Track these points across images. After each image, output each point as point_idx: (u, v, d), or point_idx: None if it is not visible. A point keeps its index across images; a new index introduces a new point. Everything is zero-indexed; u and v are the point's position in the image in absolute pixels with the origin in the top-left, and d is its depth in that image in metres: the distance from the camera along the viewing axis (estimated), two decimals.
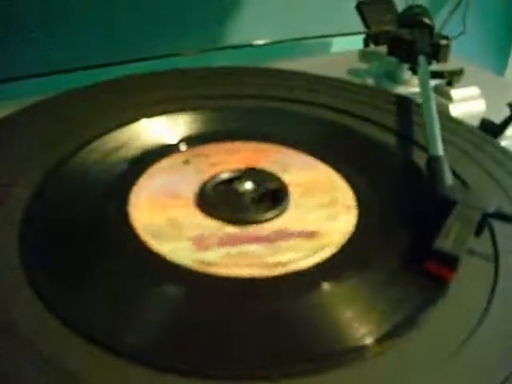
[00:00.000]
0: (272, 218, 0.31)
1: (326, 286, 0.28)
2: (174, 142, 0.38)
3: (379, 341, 0.25)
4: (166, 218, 0.31)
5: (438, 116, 0.40)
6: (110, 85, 0.42)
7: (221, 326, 0.25)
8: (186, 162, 0.36)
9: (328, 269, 0.29)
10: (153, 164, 0.35)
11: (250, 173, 0.35)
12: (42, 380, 0.22)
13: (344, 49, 0.66)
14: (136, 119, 0.38)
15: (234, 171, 0.35)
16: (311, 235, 0.30)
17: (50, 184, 0.33)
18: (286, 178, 0.34)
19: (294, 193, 0.33)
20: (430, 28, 0.51)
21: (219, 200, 0.32)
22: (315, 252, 0.29)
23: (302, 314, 0.26)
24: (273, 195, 0.33)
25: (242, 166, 0.35)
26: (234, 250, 0.29)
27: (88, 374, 0.22)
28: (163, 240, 0.29)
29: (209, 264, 0.28)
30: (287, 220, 0.32)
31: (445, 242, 0.27)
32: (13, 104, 0.39)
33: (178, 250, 0.29)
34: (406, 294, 0.28)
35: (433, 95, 0.41)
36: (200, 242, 0.29)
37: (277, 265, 0.28)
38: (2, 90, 0.45)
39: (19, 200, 0.31)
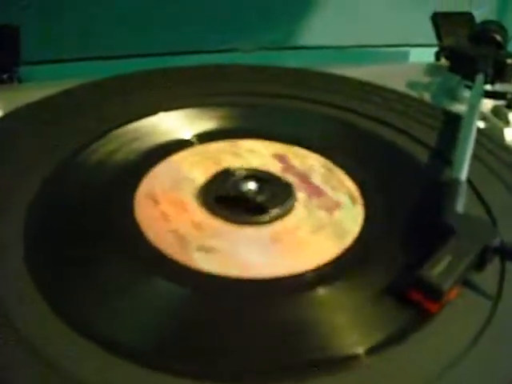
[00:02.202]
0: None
1: (320, 291, 0.27)
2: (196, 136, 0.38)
3: (369, 352, 0.24)
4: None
5: (487, 138, 0.38)
6: (139, 76, 0.43)
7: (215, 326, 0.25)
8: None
9: (324, 274, 0.28)
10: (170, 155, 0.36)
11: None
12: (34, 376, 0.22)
13: (421, 60, 0.63)
14: (154, 112, 0.38)
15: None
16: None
17: (60, 176, 0.33)
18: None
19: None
20: (500, 46, 0.48)
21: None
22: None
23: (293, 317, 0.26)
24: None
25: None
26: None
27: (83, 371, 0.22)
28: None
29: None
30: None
31: (431, 272, 0.25)
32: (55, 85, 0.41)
33: None
34: (396, 309, 0.26)
35: (477, 116, 0.38)
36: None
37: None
38: (48, 70, 0.47)
39: (27, 191, 0.31)
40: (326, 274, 0.28)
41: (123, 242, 0.29)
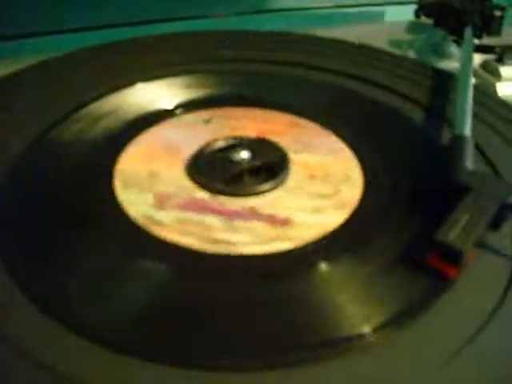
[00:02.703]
0: (251, 194, 0.28)
1: (323, 265, 0.24)
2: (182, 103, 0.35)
3: (376, 330, 0.22)
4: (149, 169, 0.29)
5: (480, 93, 0.36)
6: (114, 47, 0.40)
7: (185, 307, 0.23)
8: (208, 121, 0.33)
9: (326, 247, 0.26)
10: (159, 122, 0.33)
11: (256, 143, 0.32)
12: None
13: (397, 20, 0.61)
14: (133, 83, 0.36)
15: (239, 138, 0.32)
16: (281, 223, 0.27)
17: (37, 149, 0.30)
18: (298, 157, 0.31)
19: (296, 173, 0.30)
20: None
21: (208, 165, 0.30)
22: (272, 241, 0.26)
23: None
24: (270, 170, 0.30)
25: (256, 134, 0.33)
26: (188, 216, 0.27)
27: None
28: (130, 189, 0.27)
29: (156, 223, 0.26)
30: (268, 200, 0.28)
31: (449, 234, 0.24)
32: (19, 62, 0.38)
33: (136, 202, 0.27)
34: (408, 282, 0.24)
35: (471, 70, 0.36)
36: (162, 200, 0.27)
37: (221, 242, 0.25)
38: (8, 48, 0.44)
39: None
40: (328, 246, 0.26)
41: (103, 220, 0.27)
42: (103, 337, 0.21)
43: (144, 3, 0.51)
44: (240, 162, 0.30)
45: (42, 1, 0.48)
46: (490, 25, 0.44)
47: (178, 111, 0.35)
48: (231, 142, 0.32)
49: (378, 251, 0.25)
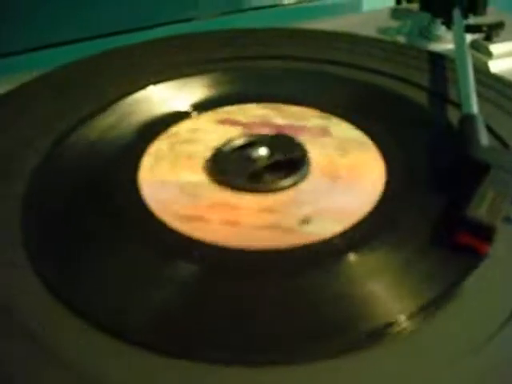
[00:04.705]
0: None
1: (350, 257, 0.25)
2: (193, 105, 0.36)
3: (411, 317, 0.22)
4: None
5: (475, 72, 0.37)
6: (116, 53, 0.40)
7: (225, 303, 0.23)
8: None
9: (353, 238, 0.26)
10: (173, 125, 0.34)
11: (272, 139, 0.32)
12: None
13: (376, 8, 0.61)
14: (144, 86, 0.36)
15: (255, 136, 0.32)
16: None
17: (56, 156, 0.31)
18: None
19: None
20: None
21: (227, 164, 0.30)
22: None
23: (319, 289, 0.23)
24: (289, 166, 0.30)
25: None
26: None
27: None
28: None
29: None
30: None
31: (478, 211, 0.24)
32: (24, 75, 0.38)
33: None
34: (438, 266, 0.24)
35: (468, 50, 0.37)
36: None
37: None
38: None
39: (24, 173, 0.29)
40: (355, 237, 0.26)
41: (128, 217, 0.27)
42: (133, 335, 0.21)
43: (116, 14, 0.50)
44: (265, 159, 0.30)
45: (30, 17, 0.47)
46: (476, 5, 0.45)
47: (188, 114, 0.35)
48: (247, 140, 0.32)
49: (409, 235, 0.26)
